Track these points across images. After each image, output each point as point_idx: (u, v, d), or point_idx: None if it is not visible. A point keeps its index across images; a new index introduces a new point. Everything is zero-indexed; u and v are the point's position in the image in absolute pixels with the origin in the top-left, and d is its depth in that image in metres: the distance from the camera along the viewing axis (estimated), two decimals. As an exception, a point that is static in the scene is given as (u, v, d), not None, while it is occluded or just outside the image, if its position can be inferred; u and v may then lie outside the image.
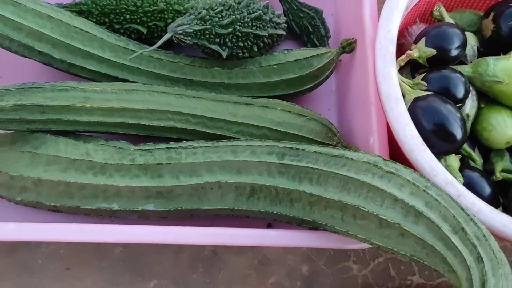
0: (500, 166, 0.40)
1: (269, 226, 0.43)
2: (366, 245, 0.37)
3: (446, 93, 0.38)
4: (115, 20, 0.44)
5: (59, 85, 0.38)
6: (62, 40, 0.40)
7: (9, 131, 0.39)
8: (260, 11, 0.42)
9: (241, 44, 0.41)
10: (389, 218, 0.31)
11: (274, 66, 0.43)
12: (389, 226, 0.31)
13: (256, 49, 0.43)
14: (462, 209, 0.29)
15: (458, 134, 0.36)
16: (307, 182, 0.34)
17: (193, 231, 0.36)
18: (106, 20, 0.44)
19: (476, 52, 0.43)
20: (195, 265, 0.43)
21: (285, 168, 0.35)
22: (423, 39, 0.40)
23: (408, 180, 0.31)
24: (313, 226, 0.36)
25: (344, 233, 0.34)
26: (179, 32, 0.39)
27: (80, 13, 0.44)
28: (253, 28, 0.42)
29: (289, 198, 0.35)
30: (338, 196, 0.33)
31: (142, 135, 0.41)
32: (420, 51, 0.40)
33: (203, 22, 0.40)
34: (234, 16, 0.40)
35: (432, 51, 0.39)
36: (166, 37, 0.39)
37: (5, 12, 0.38)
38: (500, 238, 0.33)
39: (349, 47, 0.44)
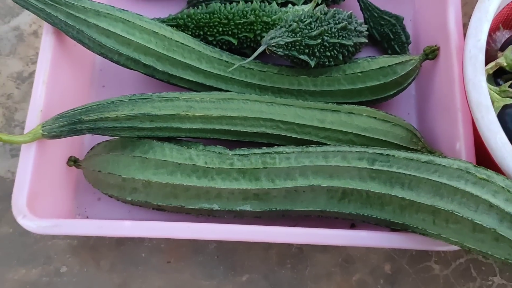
0: None
1: (352, 226, 0.46)
2: (450, 247, 0.38)
3: (534, 100, 0.39)
4: (208, 33, 0.47)
5: (164, 95, 0.42)
6: (165, 53, 0.43)
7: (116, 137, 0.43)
8: (346, 22, 0.44)
9: (328, 53, 0.44)
10: (484, 223, 0.32)
11: (359, 74, 0.45)
12: (484, 231, 0.32)
13: (341, 58, 0.45)
14: (558, 216, 0.31)
15: (549, 139, 0.36)
16: (399, 187, 0.36)
17: (282, 230, 0.39)
18: (201, 33, 0.47)
19: None
20: (283, 261, 0.46)
21: (376, 173, 0.37)
22: (510, 47, 0.40)
23: (502, 187, 0.32)
24: (402, 228, 0.38)
25: (435, 235, 0.35)
26: (272, 44, 0.42)
27: (177, 26, 0.47)
28: (340, 38, 0.44)
29: (379, 201, 0.37)
30: (431, 201, 0.35)
31: (235, 140, 0.44)
32: (508, 58, 0.40)
33: (293, 34, 0.42)
34: (322, 28, 0.42)
35: (520, 59, 0.40)
36: (260, 49, 0.42)
37: (116, 29, 0.42)
38: None
39: (432, 54, 0.45)
